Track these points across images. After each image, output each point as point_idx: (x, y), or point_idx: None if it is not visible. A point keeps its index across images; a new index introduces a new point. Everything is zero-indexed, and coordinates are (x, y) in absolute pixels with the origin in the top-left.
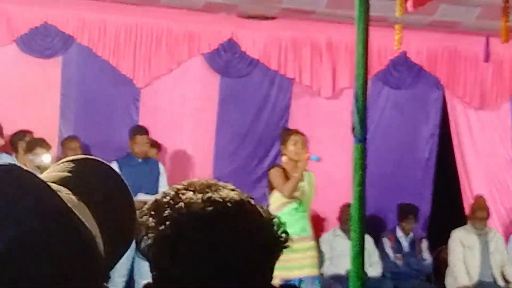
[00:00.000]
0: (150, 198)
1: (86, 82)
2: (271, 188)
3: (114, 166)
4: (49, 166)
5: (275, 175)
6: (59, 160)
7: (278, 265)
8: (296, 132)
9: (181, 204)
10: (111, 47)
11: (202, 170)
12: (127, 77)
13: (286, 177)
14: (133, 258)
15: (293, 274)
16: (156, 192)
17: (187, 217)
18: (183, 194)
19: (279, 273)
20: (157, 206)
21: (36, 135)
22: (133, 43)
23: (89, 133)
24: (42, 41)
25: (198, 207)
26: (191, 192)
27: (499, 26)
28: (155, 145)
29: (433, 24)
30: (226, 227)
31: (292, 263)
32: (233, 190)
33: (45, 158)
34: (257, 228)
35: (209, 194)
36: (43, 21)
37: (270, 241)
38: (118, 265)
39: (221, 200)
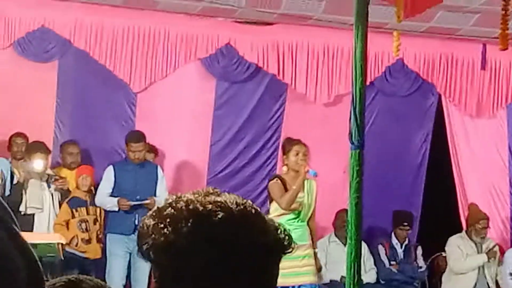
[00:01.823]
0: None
1: (83, 86)
2: (271, 198)
3: (110, 170)
4: (40, 171)
5: (274, 187)
6: (54, 165)
7: None
8: (299, 142)
9: (182, 203)
10: (108, 51)
11: (198, 173)
12: (123, 82)
13: (285, 188)
14: (130, 264)
15: (289, 281)
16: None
17: (186, 213)
18: (184, 196)
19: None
20: (159, 209)
21: (32, 138)
22: (130, 47)
23: (85, 137)
24: (38, 45)
25: (198, 205)
26: (193, 195)
27: (496, 34)
28: (152, 150)
29: (430, 31)
30: (226, 224)
31: (288, 270)
32: (236, 197)
33: (37, 164)
34: (259, 228)
35: (211, 197)
36: (40, 25)
37: (272, 242)
38: (116, 271)
39: (222, 201)
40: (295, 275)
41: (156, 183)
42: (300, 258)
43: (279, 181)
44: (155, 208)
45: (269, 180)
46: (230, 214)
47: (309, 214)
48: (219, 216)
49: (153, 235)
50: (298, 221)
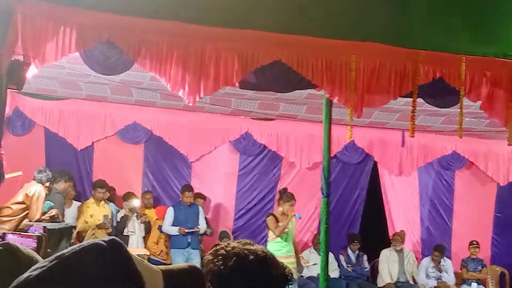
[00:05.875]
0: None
1: (159, 158)
2: (268, 228)
3: (171, 209)
4: (137, 207)
5: (270, 221)
6: (142, 205)
7: None
8: (292, 196)
9: (229, 247)
10: (174, 136)
11: (228, 210)
12: (183, 155)
13: (277, 221)
14: None
15: None
16: (197, 225)
17: (232, 254)
18: (231, 243)
19: None
20: (216, 250)
21: (125, 190)
22: (188, 134)
23: (161, 189)
24: (132, 133)
25: (239, 250)
26: (236, 243)
27: (409, 125)
28: (202, 196)
29: (370, 124)
30: (254, 263)
31: None
32: (262, 247)
33: (135, 202)
34: (274, 267)
35: (247, 246)
36: (133, 121)
37: (282, 275)
38: None
39: (254, 249)
40: None
41: (198, 216)
42: (290, 263)
43: (273, 217)
44: (215, 248)
45: (267, 217)
46: (257, 257)
47: (292, 238)
48: (250, 258)
49: (210, 266)
50: (285, 241)
